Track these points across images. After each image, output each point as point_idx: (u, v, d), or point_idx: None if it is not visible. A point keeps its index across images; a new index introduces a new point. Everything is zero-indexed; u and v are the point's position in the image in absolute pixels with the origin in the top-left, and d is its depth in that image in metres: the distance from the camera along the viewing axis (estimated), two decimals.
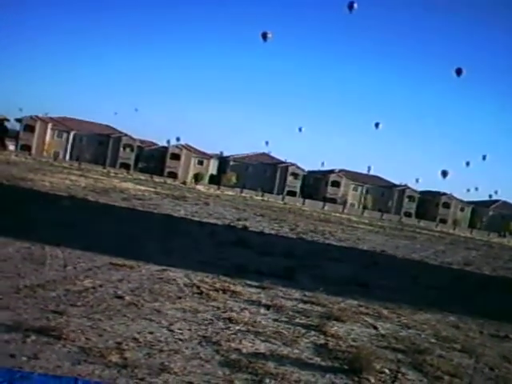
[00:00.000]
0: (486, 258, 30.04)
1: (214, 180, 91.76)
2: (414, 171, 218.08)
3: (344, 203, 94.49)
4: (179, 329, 6.36)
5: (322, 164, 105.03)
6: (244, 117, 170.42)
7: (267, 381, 5.20)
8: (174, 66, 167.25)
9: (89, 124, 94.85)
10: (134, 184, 47.11)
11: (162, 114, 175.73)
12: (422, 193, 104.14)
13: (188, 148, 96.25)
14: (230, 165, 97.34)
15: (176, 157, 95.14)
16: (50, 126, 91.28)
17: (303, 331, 7.21)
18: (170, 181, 75.77)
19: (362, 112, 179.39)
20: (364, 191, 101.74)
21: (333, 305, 9.10)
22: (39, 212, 15.75)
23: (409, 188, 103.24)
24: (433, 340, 8.03)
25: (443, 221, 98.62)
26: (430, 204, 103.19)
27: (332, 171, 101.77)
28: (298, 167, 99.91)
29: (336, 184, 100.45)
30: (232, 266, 11.02)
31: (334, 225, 38.11)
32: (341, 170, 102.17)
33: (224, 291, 8.79)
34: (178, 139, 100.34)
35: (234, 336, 6.43)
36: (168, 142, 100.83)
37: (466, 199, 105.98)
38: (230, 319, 7.14)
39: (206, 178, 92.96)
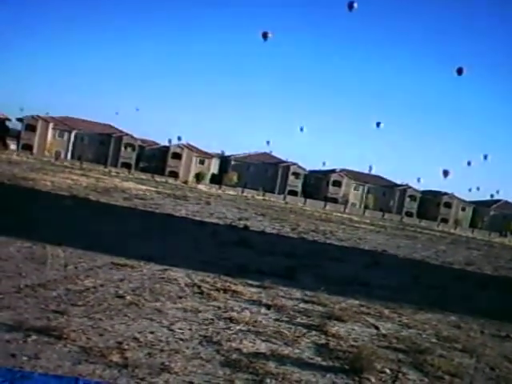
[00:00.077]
0: (488, 258, 30.02)
1: (216, 179, 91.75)
2: (415, 171, 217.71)
3: (345, 203, 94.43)
4: (180, 328, 6.37)
5: (324, 163, 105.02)
6: (245, 116, 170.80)
7: (268, 381, 5.20)
8: (175, 66, 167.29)
9: (90, 123, 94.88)
10: (136, 183, 47.14)
11: (164, 114, 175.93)
12: (424, 192, 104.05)
13: (189, 147, 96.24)
14: (231, 164, 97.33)
15: (177, 156, 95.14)
16: (51, 125, 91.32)
17: (304, 331, 7.21)
18: (171, 180, 75.79)
19: (364, 111, 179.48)
20: (365, 191, 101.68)
21: (334, 304, 9.10)
22: (40, 211, 15.78)
23: (410, 188, 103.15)
24: (434, 340, 8.03)
25: (444, 220, 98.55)
26: (431, 204, 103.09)
27: (333, 171, 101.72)
28: (300, 167, 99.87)
29: (337, 183, 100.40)
30: (233, 266, 11.02)
31: (336, 224, 38.10)
32: (342, 170, 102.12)
33: (225, 291, 8.79)
34: (179, 138, 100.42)
35: (234, 336, 6.43)
36: (169, 141, 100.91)
37: (467, 199, 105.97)
38: (230, 319, 7.14)
39: (208, 178, 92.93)
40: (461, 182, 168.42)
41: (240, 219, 25.92)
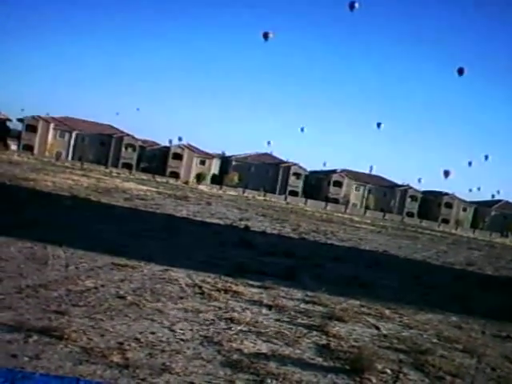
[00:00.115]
0: (489, 258, 30.00)
1: (216, 180, 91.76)
2: (416, 171, 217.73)
3: (346, 203, 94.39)
4: (181, 329, 6.36)
5: (324, 164, 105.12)
6: (246, 117, 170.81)
7: (269, 381, 5.20)
8: (176, 66, 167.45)
9: (91, 124, 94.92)
10: (136, 184, 47.16)
11: (164, 114, 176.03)
12: (425, 193, 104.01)
13: (190, 148, 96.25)
14: (232, 165, 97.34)
15: (178, 157, 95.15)
16: (52, 125, 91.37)
17: (305, 331, 7.21)
18: (172, 181, 75.84)
19: (364, 112, 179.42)
20: (366, 191, 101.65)
21: (335, 305, 9.09)
22: (41, 212, 15.77)
23: (411, 188, 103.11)
24: (435, 340, 8.02)
25: (445, 221, 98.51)
26: (432, 204, 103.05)
27: (334, 171, 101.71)
28: (300, 167, 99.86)
29: (338, 184, 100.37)
30: (234, 266, 11.02)
31: (336, 225, 38.10)
32: (343, 170, 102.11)
33: (226, 291, 8.79)
34: (180, 139, 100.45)
35: (235, 336, 6.43)
36: (170, 141, 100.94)
37: (468, 199, 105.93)
38: (231, 319, 7.14)
39: (208, 178, 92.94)
40: (462, 182, 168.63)
41: (241, 220, 25.92)
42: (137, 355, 5.24)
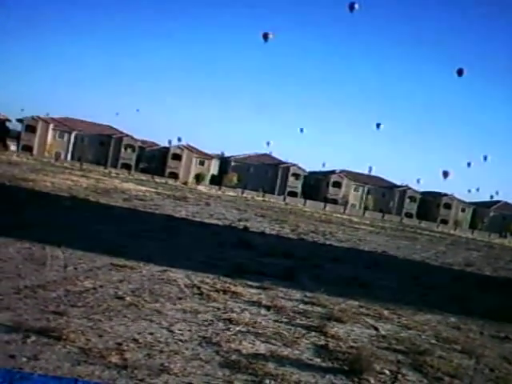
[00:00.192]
0: (487, 259, 30.03)
1: (216, 180, 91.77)
2: (415, 172, 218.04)
3: (345, 204, 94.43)
4: (179, 330, 6.36)
5: (323, 165, 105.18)
6: (245, 117, 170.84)
7: (267, 381, 5.20)
8: (175, 67, 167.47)
9: (90, 124, 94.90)
10: (136, 184, 47.15)
11: (164, 115, 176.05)
12: (423, 193, 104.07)
13: (189, 148, 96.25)
14: (231, 165, 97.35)
15: (177, 157, 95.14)
16: (51, 126, 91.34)
17: (303, 332, 7.21)
18: (171, 181, 75.84)
19: (364, 112, 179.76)
20: (365, 192, 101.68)
21: (333, 305, 9.10)
22: (40, 212, 15.77)
23: (410, 189, 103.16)
24: (433, 341, 8.02)
25: (444, 221, 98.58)
26: (431, 205, 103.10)
27: (333, 172, 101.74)
28: (299, 168, 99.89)
29: (337, 185, 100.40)
30: (233, 267, 11.02)
31: (335, 225, 38.11)
32: (342, 171, 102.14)
33: (224, 292, 8.79)
34: (179, 139, 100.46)
35: (234, 337, 6.43)
36: (169, 142, 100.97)
37: (467, 200, 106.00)
38: (230, 320, 7.14)
39: (208, 179, 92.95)
40: (460, 183, 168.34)
41: (240, 220, 25.92)
42: (135, 356, 5.24)
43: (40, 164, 55.96)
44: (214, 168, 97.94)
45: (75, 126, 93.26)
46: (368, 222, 54.95)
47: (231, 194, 71.59)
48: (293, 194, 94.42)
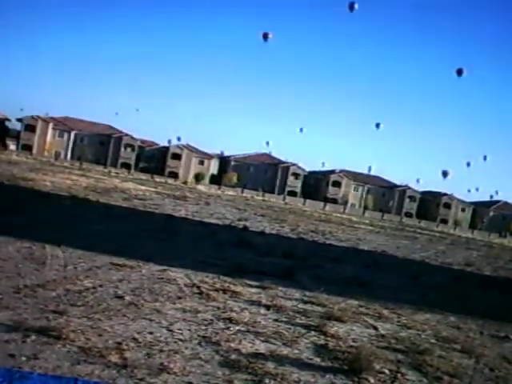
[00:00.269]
0: (487, 259, 30.04)
1: (215, 180, 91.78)
2: (414, 171, 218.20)
3: (345, 203, 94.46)
4: (179, 329, 6.36)
5: (323, 164, 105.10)
6: (245, 117, 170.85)
7: (267, 381, 5.20)
8: (175, 66, 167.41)
9: (90, 124, 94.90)
10: (135, 184, 47.13)
11: (163, 114, 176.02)
12: (423, 193, 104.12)
13: (189, 148, 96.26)
14: (230, 165, 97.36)
15: (177, 157, 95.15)
16: (51, 125, 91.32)
17: (303, 331, 7.21)
18: (170, 181, 75.82)
19: (363, 112, 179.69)
20: (365, 191, 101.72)
21: (333, 305, 9.10)
22: (40, 212, 15.78)
23: (410, 188, 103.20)
24: (433, 340, 8.03)
25: (444, 221, 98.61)
26: (430, 204, 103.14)
27: (333, 171, 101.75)
28: (299, 167, 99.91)
29: (337, 184, 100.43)
30: (232, 266, 11.02)
31: (335, 225, 38.12)
32: (342, 170, 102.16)
33: (224, 291, 8.79)
34: (178, 139, 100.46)
35: (233, 336, 6.43)
36: (169, 141, 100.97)
37: (466, 199, 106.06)
38: (229, 319, 7.14)
39: (207, 178, 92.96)
40: (460, 182, 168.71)
41: (239, 220, 25.92)
42: (135, 355, 5.23)
43: (39, 163, 55.95)
44: (213, 167, 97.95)
45: (75, 126, 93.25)
46: (368, 222, 54.95)
47: (231, 193, 71.58)
48: (292, 194, 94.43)
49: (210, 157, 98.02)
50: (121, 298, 7.28)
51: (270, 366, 5.60)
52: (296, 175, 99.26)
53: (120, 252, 10.55)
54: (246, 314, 7.58)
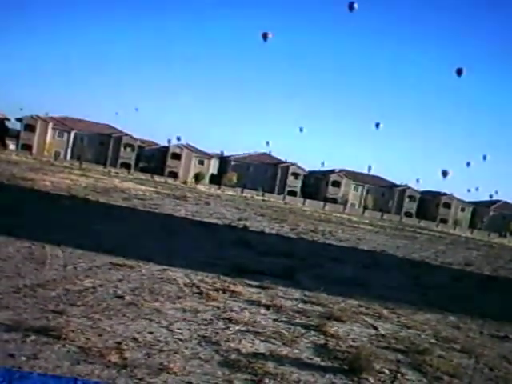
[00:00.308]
0: (487, 258, 30.04)
1: (215, 180, 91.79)
2: (414, 171, 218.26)
3: (344, 203, 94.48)
4: (179, 329, 6.36)
5: (323, 164, 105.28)
6: (245, 117, 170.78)
7: (267, 381, 5.20)
8: (175, 66, 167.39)
9: (90, 124, 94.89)
10: (135, 184, 47.12)
11: (163, 114, 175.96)
12: (423, 193, 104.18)
13: (189, 148, 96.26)
14: (230, 165, 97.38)
15: (177, 156, 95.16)
16: (50, 125, 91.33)
17: (303, 331, 7.21)
18: (170, 180, 75.82)
19: (363, 112, 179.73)
20: (364, 191, 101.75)
21: (333, 305, 9.10)
22: (40, 211, 15.77)
23: (409, 188, 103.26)
24: (433, 340, 8.02)
25: (444, 221, 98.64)
26: (430, 204, 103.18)
27: (332, 171, 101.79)
28: (299, 167, 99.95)
29: (337, 184, 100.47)
30: (232, 266, 11.01)
31: (335, 225, 38.11)
32: (341, 170, 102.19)
33: (224, 291, 8.79)
34: (178, 139, 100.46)
35: (233, 336, 6.42)
36: (169, 141, 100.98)
37: (466, 199, 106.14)
38: (229, 319, 7.14)
39: (207, 178, 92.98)
40: (460, 182, 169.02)
41: (239, 219, 25.91)
42: (135, 355, 5.23)
43: (39, 163, 55.92)
44: (213, 167, 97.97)
45: (74, 125, 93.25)
46: (367, 222, 54.95)
47: (231, 193, 71.58)
48: (292, 194, 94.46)
49: (209, 156, 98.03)
50: (121, 297, 7.28)
51: (270, 365, 5.60)
52: (296, 175, 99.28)
53: (120, 252, 10.54)
54: (246, 314, 7.57)
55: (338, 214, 62.89)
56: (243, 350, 5.94)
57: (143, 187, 43.32)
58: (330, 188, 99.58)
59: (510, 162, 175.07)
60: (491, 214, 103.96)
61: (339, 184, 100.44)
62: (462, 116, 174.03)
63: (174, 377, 4.91)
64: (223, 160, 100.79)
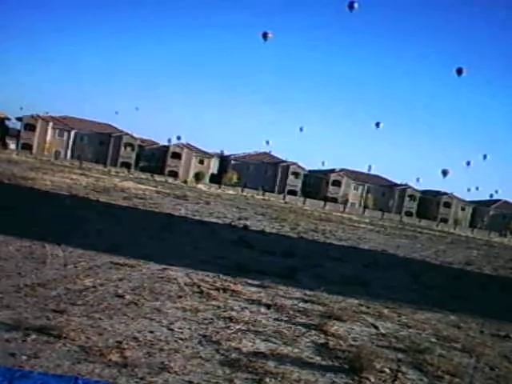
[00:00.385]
0: (487, 258, 30.02)
1: (215, 179, 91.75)
2: (414, 171, 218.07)
3: (345, 202, 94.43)
4: (179, 328, 6.36)
5: (323, 163, 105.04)
6: (245, 116, 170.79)
7: (267, 380, 5.20)
8: (175, 65, 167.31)
9: (90, 123, 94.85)
10: (135, 183, 47.13)
11: (163, 113, 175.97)
12: (423, 192, 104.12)
13: (189, 147, 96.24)
14: (230, 164, 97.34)
15: (177, 156, 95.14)
16: (50, 124, 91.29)
17: (303, 330, 7.21)
18: (170, 180, 75.78)
19: (363, 111, 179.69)
20: (365, 190, 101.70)
21: (333, 304, 9.10)
22: (40, 211, 15.78)
23: (410, 187, 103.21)
24: (433, 339, 8.02)
25: (444, 220, 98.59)
26: (430, 203, 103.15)
27: (333, 170, 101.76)
28: (299, 166, 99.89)
29: (337, 183, 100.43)
30: (232, 265, 11.02)
31: (335, 224, 38.10)
32: (342, 170, 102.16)
33: (224, 290, 8.79)
34: (178, 138, 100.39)
35: (234, 335, 6.42)
36: (169, 140, 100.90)
37: (466, 199, 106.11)
38: (230, 318, 7.14)
39: (207, 177, 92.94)
40: (460, 181, 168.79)
41: (239, 219, 25.92)
42: (135, 354, 5.23)
43: (39, 162, 55.91)
44: (213, 167, 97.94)
45: (75, 125, 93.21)
46: (368, 221, 54.96)
47: (231, 192, 71.54)
48: (292, 193, 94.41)
49: (209, 156, 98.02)
50: (121, 297, 7.28)
51: (271, 365, 5.60)
52: (296, 174, 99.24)
53: (120, 251, 10.54)
54: (247, 313, 7.57)
55: (339, 214, 62.88)
56: (244, 349, 5.94)
57: (143, 186, 43.33)
58: (331, 187, 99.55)
59: (510, 161, 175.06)
60: (491, 213, 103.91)
61: (339, 183, 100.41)
62: (462, 115, 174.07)
63: (174, 376, 4.91)
64: (223, 159, 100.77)
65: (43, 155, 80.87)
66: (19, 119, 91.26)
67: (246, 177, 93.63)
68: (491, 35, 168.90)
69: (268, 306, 8.24)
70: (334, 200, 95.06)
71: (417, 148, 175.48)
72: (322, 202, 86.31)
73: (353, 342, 6.98)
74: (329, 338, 7.04)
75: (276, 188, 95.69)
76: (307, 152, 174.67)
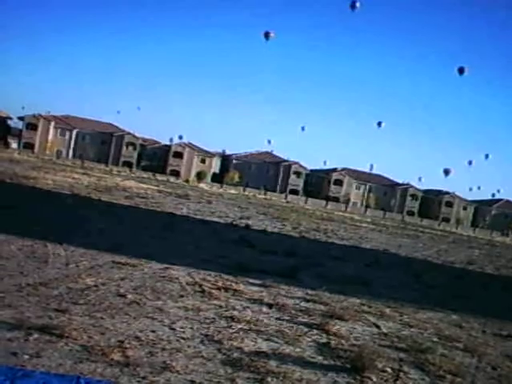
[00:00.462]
0: (489, 257, 29.98)
1: (217, 178, 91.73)
2: (416, 170, 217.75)
3: (347, 202, 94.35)
4: (181, 327, 6.36)
5: (325, 163, 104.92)
6: (246, 116, 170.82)
7: (269, 379, 5.20)
8: (176, 65, 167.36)
9: (91, 122, 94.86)
10: (137, 182, 47.12)
11: (165, 113, 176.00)
12: (425, 191, 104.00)
13: (191, 146, 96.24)
14: (232, 163, 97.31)
15: (179, 155, 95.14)
16: (52, 124, 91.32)
17: (305, 330, 7.21)
18: (172, 179, 75.74)
19: (365, 111, 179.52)
20: (367, 190, 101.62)
21: (335, 303, 9.09)
22: (42, 210, 15.78)
23: (411, 187, 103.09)
24: (435, 339, 8.02)
25: (446, 220, 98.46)
26: (432, 203, 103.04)
27: (335, 170, 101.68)
28: (301, 166, 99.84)
29: (339, 183, 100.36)
30: (234, 265, 11.02)
31: (337, 223, 38.07)
32: (343, 169, 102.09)
33: (226, 290, 8.79)
34: (180, 137, 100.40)
35: (235, 334, 6.42)
36: (171, 140, 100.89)
37: (468, 198, 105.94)
38: (232, 318, 7.14)
39: (209, 177, 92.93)
40: (462, 181, 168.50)
41: (241, 218, 25.91)
42: (137, 353, 5.23)
43: (41, 162, 55.91)
44: (215, 166, 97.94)
45: (76, 124, 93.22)
46: (369, 220, 54.90)
47: (233, 191, 71.50)
48: (294, 192, 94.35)
49: (211, 155, 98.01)
50: (123, 296, 7.28)
51: (273, 364, 5.60)
52: (298, 174, 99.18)
53: (122, 250, 10.55)
54: (248, 313, 7.57)
55: (340, 213, 62.82)
56: (246, 349, 5.94)
57: (145, 186, 43.33)
58: (332, 187, 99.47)
59: None
60: (493, 212, 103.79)
61: (341, 183, 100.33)
62: (463, 114, 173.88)
63: (176, 375, 4.91)
64: (225, 159, 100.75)
65: (45, 154, 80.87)
66: (21, 118, 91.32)
67: (247, 176, 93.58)
68: (491, 35, 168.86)
69: (270, 306, 8.24)
70: (336, 199, 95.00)
71: (418, 147, 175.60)
72: (323, 202, 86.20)
73: (355, 342, 6.98)
74: (331, 337, 7.04)
75: (278, 187, 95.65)
76: (309, 151, 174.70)
